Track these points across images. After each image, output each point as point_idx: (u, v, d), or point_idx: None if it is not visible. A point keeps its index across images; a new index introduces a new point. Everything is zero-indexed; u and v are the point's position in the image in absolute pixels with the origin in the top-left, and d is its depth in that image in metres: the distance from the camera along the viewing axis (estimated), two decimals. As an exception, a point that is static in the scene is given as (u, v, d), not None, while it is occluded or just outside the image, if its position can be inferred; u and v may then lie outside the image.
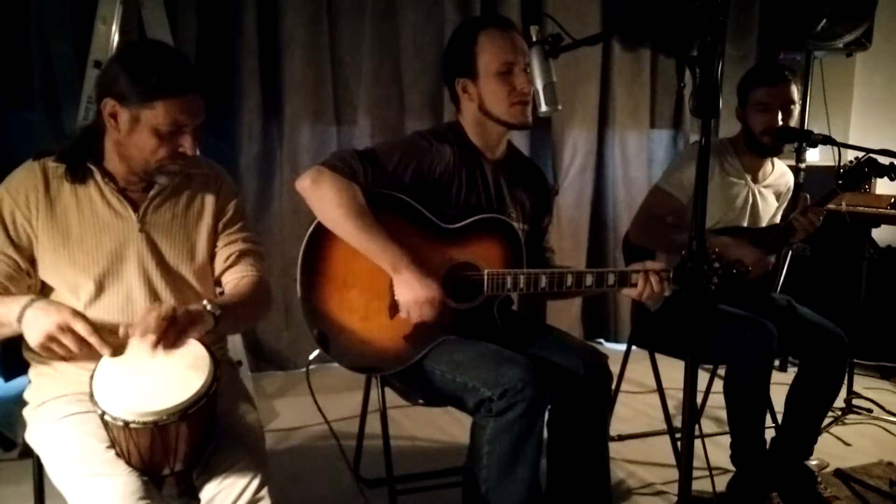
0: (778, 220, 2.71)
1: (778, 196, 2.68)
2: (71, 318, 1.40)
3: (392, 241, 1.82)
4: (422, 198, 1.93)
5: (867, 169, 2.40)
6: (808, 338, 2.43)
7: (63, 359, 1.43)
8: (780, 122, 2.45)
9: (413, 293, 1.81)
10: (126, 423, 1.34)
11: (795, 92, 2.48)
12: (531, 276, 1.92)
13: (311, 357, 1.94)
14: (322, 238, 1.88)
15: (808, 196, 2.49)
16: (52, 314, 1.40)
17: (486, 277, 1.91)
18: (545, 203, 2.21)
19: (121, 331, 1.45)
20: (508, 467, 1.75)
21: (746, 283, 2.35)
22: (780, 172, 2.68)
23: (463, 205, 1.99)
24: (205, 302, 1.54)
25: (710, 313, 2.37)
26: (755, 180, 2.59)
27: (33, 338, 1.40)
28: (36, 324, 1.40)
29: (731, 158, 2.57)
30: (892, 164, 2.39)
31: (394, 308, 1.89)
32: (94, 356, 1.44)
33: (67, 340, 1.39)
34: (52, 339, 1.39)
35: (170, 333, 1.43)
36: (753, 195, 2.58)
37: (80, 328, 1.40)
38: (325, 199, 1.81)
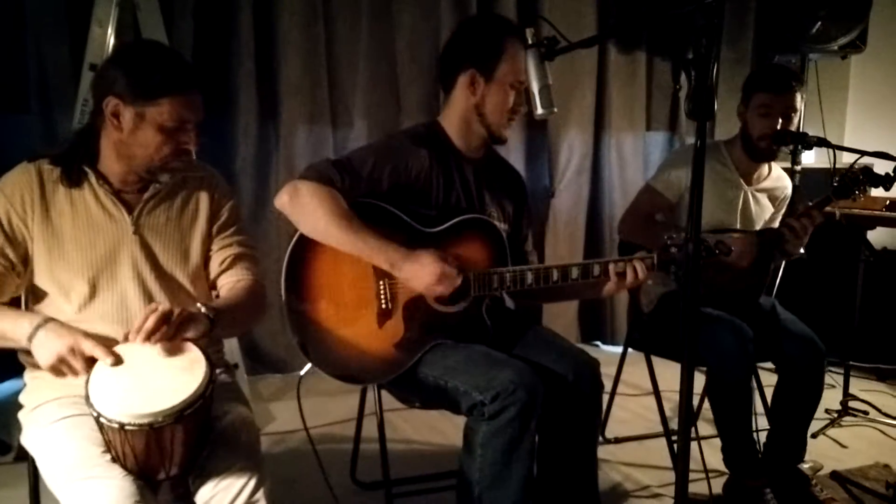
0: (776, 225, 2.71)
1: (774, 201, 2.67)
2: (81, 338, 1.43)
3: (384, 239, 1.80)
4: (401, 201, 1.92)
5: (862, 177, 2.41)
6: (782, 344, 2.43)
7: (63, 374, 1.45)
8: (779, 129, 2.45)
9: (423, 280, 1.80)
10: (121, 425, 1.34)
11: (799, 100, 2.47)
12: (517, 273, 1.92)
13: (303, 373, 1.93)
14: (304, 252, 1.86)
15: (809, 203, 2.49)
16: (64, 336, 1.43)
17: (472, 278, 1.91)
18: (525, 206, 2.22)
19: (121, 340, 1.46)
20: (502, 470, 1.75)
21: (739, 279, 2.35)
22: (776, 177, 2.67)
23: (442, 205, 1.98)
24: (199, 305, 1.54)
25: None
26: (748, 183, 2.59)
27: (45, 359, 1.42)
28: (48, 346, 1.42)
29: (724, 160, 2.57)
30: (887, 174, 2.41)
31: (382, 316, 1.88)
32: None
33: (76, 362, 1.42)
34: (62, 361, 1.41)
35: (165, 329, 1.44)
36: (746, 197, 2.58)
37: (87, 346, 1.42)
38: (307, 209, 1.80)
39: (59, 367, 1.42)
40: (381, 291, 1.88)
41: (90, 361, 1.43)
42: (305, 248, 1.86)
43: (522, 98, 1.98)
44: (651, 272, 1.95)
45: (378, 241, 1.80)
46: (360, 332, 1.88)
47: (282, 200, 1.83)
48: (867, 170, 2.43)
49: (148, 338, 1.43)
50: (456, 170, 2.02)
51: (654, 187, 2.53)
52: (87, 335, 1.45)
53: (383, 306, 1.88)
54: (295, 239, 1.87)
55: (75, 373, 1.42)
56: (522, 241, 2.21)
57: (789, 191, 2.72)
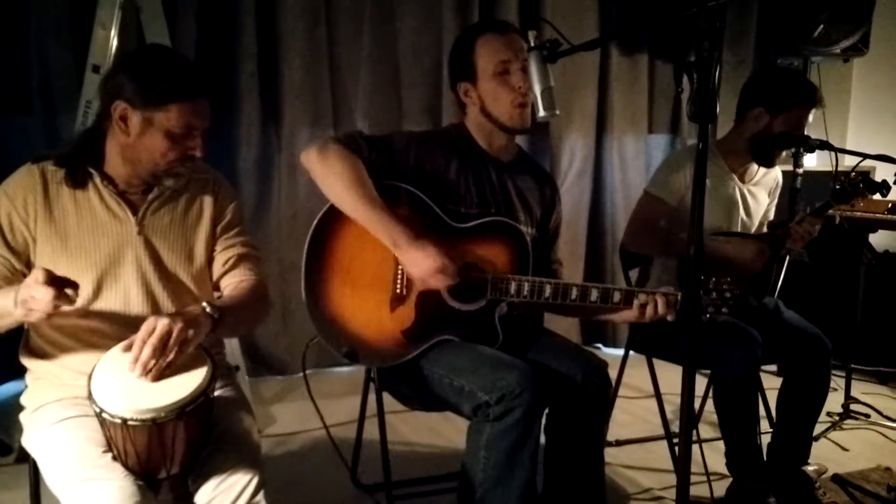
0: (771, 215, 2.71)
1: (769, 192, 2.69)
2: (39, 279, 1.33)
3: (395, 217, 1.80)
4: (430, 194, 1.93)
5: (861, 185, 2.42)
6: (788, 343, 2.44)
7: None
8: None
9: (419, 268, 1.78)
10: (124, 421, 1.35)
11: None
12: (535, 283, 1.91)
13: (309, 343, 1.93)
14: (330, 224, 1.88)
15: (806, 208, 2.50)
16: (23, 290, 1.35)
17: (489, 281, 1.91)
18: (555, 211, 2.21)
19: (120, 348, 1.44)
20: (505, 472, 1.75)
21: (745, 281, 2.35)
22: (765, 169, 2.67)
23: (470, 205, 1.99)
24: (204, 304, 1.54)
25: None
26: (743, 181, 2.60)
27: (40, 314, 1.35)
28: (33, 305, 1.35)
29: (717, 161, 2.56)
30: (884, 181, 2.43)
31: (396, 301, 1.89)
32: (93, 360, 1.45)
33: (59, 295, 1.33)
34: (47, 305, 1.33)
35: (161, 360, 1.40)
36: (743, 195, 2.58)
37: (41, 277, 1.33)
38: (329, 170, 1.82)
39: (57, 306, 1.33)
40: (398, 276, 1.89)
41: (62, 289, 1.34)
42: (332, 219, 1.88)
43: (518, 76, 1.93)
44: (672, 309, 1.92)
45: (388, 218, 1.79)
46: (371, 313, 1.89)
47: (310, 156, 1.86)
48: (866, 176, 2.44)
49: (145, 370, 1.40)
50: (485, 173, 2.03)
51: (655, 194, 2.52)
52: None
53: (398, 291, 1.89)
54: (324, 210, 1.88)
55: (70, 299, 1.34)
56: (549, 247, 2.20)
57: (780, 178, 2.74)
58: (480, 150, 2.05)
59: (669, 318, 1.93)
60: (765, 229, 2.71)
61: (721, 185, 2.55)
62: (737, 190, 2.57)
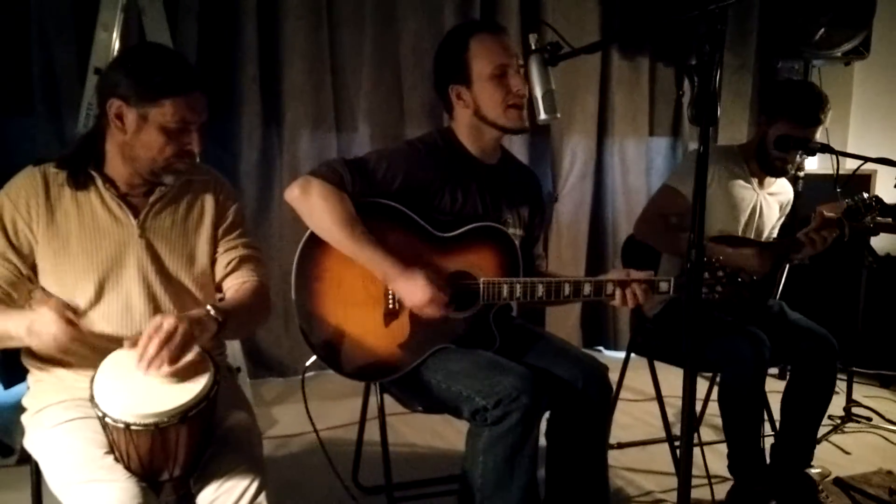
0: (776, 233, 2.71)
1: (780, 207, 2.69)
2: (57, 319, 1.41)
3: (383, 250, 1.82)
4: (416, 206, 1.93)
5: (875, 204, 2.42)
6: (797, 342, 2.44)
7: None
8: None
9: (411, 300, 1.82)
10: (127, 425, 1.35)
11: (821, 129, 2.48)
12: (527, 284, 1.92)
13: (308, 363, 1.94)
14: (316, 247, 1.89)
15: (822, 211, 2.48)
16: (49, 327, 1.41)
17: (482, 286, 1.91)
18: (540, 208, 2.21)
19: (125, 344, 1.45)
20: (504, 476, 1.75)
21: (748, 289, 2.35)
22: (781, 182, 2.68)
23: (458, 212, 1.98)
24: (209, 307, 1.54)
25: (705, 321, 2.37)
26: (761, 187, 2.60)
27: (52, 350, 1.44)
28: (45, 342, 1.42)
29: (740, 162, 2.56)
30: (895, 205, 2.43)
31: (389, 316, 1.89)
32: (95, 362, 1.45)
33: (75, 333, 1.41)
34: (62, 348, 1.42)
35: (168, 356, 1.41)
36: (759, 201, 2.59)
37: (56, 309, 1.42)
38: (315, 208, 1.82)
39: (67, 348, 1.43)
40: (390, 292, 1.89)
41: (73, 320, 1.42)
42: (318, 242, 1.88)
43: (516, 79, 1.92)
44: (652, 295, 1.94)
45: (376, 253, 1.81)
46: (366, 329, 1.89)
47: (292, 194, 1.85)
48: (879, 199, 2.44)
49: (149, 365, 1.40)
50: (472, 177, 2.02)
51: (675, 187, 2.49)
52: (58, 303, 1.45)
53: (390, 306, 1.90)
54: (308, 234, 1.89)
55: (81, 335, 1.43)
56: (533, 243, 2.21)
57: (791, 197, 2.74)
58: (467, 156, 2.03)
59: (640, 298, 1.91)
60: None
61: (741, 188, 2.55)
62: (754, 195, 2.58)
